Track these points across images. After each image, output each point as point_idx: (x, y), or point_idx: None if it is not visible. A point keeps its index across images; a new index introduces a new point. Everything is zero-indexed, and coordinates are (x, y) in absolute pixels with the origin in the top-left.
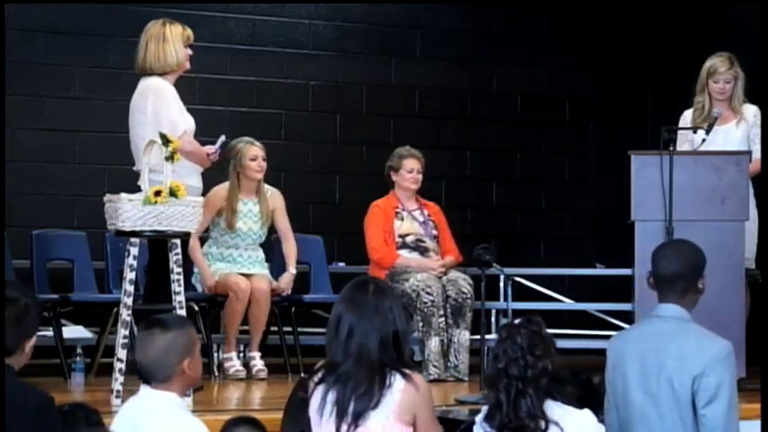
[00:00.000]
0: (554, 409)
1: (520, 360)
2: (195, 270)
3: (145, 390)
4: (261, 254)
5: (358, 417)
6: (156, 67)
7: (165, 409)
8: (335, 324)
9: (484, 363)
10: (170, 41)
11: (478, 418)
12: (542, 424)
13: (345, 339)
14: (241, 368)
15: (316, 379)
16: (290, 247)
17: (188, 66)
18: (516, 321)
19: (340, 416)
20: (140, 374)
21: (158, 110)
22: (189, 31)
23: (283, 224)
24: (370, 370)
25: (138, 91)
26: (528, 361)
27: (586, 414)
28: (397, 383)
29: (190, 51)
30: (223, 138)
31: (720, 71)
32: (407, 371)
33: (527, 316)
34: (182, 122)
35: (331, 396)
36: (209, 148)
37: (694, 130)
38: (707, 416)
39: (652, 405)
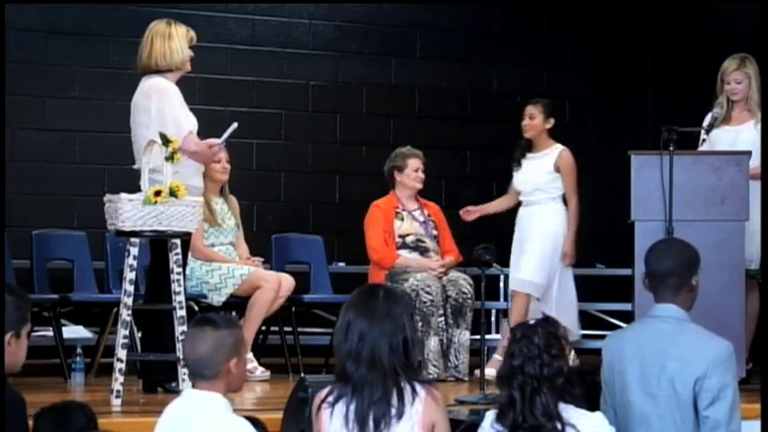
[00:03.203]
0: (568, 411)
1: (536, 359)
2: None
3: (188, 391)
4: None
5: (378, 424)
6: (162, 64)
7: (210, 410)
8: (344, 330)
9: (484, 363)
10: (175, 39)
11: (487, 423)
12: (558, 425)
13: (356, 345)
14: (266, 369)
15: (330, 399)
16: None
17: (189, 67)
18: (531, 321)
19: (361, 425)
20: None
21: (163, 110)
22: (192, 33)
23: (241, 226)
24: (383, 375)
25: (140, 91)
26: (544, 360)
27: (599, 417)
28: (419, 395)
29: (192, 53)
30: (235, 125)
31: (728, 71)
32: (424, 384)
33: (542, 316)
34: (186, 123)
35: (352, 408)
36: (214, 141)
37: (696, 131)
38: (710, 417)
39: (652, 406)
